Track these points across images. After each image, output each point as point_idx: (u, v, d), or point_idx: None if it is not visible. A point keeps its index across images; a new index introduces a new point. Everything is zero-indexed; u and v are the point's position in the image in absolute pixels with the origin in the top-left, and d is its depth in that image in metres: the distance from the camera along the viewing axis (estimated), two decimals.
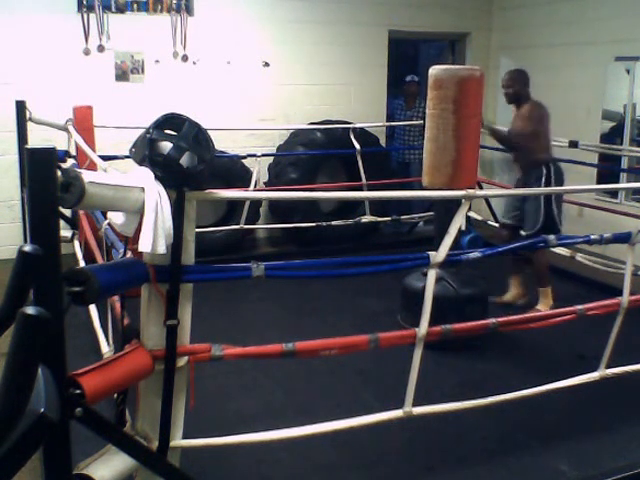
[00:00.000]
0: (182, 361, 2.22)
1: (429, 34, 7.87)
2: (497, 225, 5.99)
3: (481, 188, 6.36)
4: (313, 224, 6.34)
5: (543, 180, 4.74)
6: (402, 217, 6.96)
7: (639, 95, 6.23)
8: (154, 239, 1.98)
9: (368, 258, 2.73)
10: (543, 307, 4.84)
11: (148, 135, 2.07)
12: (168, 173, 2.05)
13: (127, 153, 2.20)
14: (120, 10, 6.27)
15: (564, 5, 6.84)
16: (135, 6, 6.33)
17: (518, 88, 4.85)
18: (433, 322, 2.59)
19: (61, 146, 4.82)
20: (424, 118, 4.35)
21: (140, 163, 2.08)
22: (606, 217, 5.93)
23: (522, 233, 4.82)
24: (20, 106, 5.36)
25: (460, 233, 4.27)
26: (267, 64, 6.91)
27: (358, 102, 7.31)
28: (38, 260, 1.67)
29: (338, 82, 7.20)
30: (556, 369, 3.44)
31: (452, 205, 3.22)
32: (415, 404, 2.63)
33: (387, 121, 7.62)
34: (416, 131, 7.46)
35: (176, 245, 2.09)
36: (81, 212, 4.69)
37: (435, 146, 4.08)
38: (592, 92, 6.54)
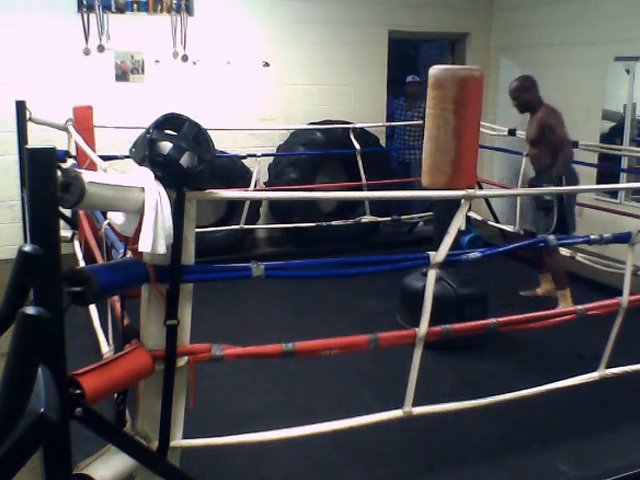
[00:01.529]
0: (182, 361, 2.22)
1: (429, 34, 7.87)
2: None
3: (481, 188, 6.36)
4: (313, 224, 6.34)
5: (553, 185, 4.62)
6: (402, 217, 6.95)
7: (639, 95, 6.23)
8: (154, 239, 1.98)
9: (368, 258, 2.72)
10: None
11: (148, 135, 2.07)
12: (168, 173, 2.05)
13: (127, 153, 2.20)
14: (120, 10, 6.27)
15: (564, 5, 6.83)
16: (135, 6, 6.33)
17: (524, 96, 4.82)
18: (432, 322, 2.59)
19: (61, 146, 4.81)
20: (424, 118, 4.35)
21: (140, 163, 2.08)
22: (606, 217, 5.93)
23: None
24: (20, 106, 5.36)
25: (460, 233, 4.27)
26: (267, 64, 6.91)
27: (358, 102, 7.30)
28: (38, 260, 1.67)
29: (338, 82, 7.20)
30: (556, 369, 3.43)
31: (452, 205, 3.21)
32: (415, 404, 2.63)
33: (387, 121, 7.62)
34: (416, 131, 7.45)
35: (176, 245, 2.09)
36: (81, 212, 4.69)
37: (435, 146, 4.08)
38: (592, 92, 6.53)
